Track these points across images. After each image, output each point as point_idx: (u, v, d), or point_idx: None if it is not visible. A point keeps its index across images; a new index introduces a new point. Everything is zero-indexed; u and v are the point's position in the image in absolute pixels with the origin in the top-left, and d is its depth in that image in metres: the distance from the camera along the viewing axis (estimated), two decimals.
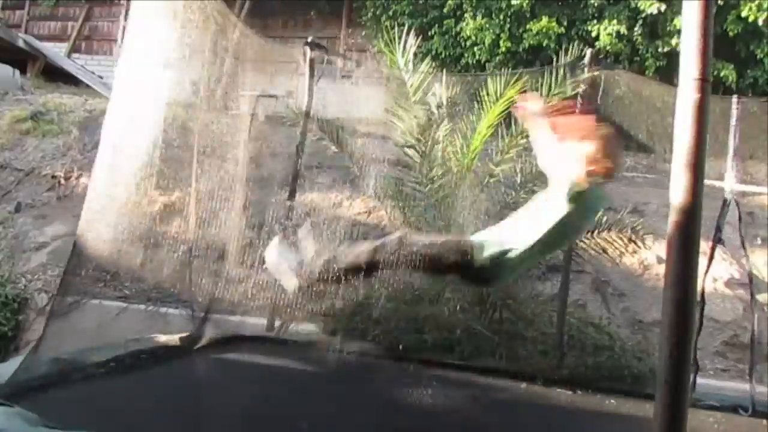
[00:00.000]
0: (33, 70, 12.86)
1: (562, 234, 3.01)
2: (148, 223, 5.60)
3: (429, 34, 10.38)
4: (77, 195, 7.57)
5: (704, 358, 5.92)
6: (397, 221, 6.47)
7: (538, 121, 3.06)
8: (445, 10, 10.42)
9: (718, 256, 5.76)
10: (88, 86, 12.05)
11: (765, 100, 6.50)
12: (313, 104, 6.17)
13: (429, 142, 5.71)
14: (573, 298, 6.33)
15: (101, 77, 12.75)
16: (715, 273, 6.44)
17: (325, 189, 8.02)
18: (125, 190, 4.31)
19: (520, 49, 9.92)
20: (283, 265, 2.80)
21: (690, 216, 1.48)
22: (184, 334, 5.23)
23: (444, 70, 7.72)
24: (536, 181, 5.99)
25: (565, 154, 2.92)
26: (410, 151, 5.84)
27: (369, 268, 3.06)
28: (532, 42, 9.73)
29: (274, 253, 2.88)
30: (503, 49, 9.90)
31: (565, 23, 9.81)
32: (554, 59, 7.27)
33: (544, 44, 9.64)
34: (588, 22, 9.77)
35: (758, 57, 9.47)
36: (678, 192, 1.50)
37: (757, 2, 8.99)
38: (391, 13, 10.77)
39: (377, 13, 11.04)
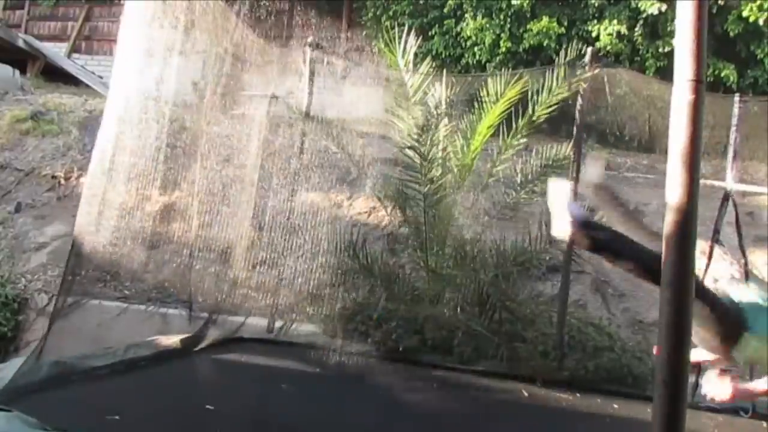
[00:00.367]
0: (33, 70, 12.86)
1: None
2: (147, 223, 5.61)
3: (429, 34, 10.38)
4: (77, 195, 7.57)
5: None
6: (397, 221, 6.48)
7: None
8: (445, 10, 10.41)
9: (718, 255, 5.75)
10: (88, 86, 12.05)
11: (766, 99, 6.49)
12: (313, 104, 6.17)
13: (429, 143, 5.70)
14: (573, 299, 6.32)
15: (101, 77, 12.74)
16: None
17: (325, 189, 8.02)
18: (123, 191, 4.30)
19: (521, 49, 9.91)
20: (564, 206, 2.63)
21: (686, 215, 1.48)
22: (184, 336, 5.22)
23: (444, 70, 7.72)
24: (536, 181, 6.00)
25: None
26: (410, 152, 5.84)
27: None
28: (532, 42, 9.73)
29: (565, 191, 2.73)
30: (503, 49, 9.89)
31: (566, 23, 9.80)
32: (554, 59, 7.26)
33: (545, 44, 9.63)
34: (588, 22, 9.76)
35: (759, 57, 9.47)
36: (674, 191, 1.50)
37: (757, 2, 8.98)
38: (391, 13, 10.77)
39: (377, 13, 11.03)
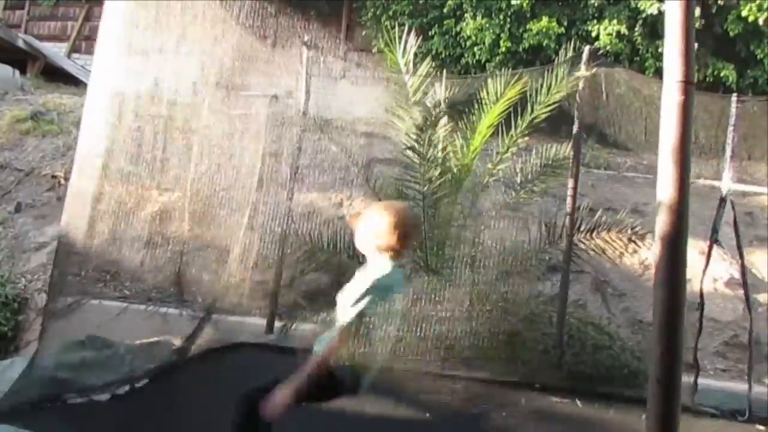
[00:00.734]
0: (33, 70, 12.88)
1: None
2: (148, 223, 5.61)
3: (429, 34, 10.38)
4: None
5: (704, 359, 5.92)
6: None
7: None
8: (445, 10, 10.42)
9: (717, 256, 5.77)
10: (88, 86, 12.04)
11: (765, 99, 6.49)
12: (312, 104, 6.17)
13: (428, 143, 5.70)
14: (573, 298, 6.33)
15: None
16: (715, 273, 6.44)
17: (325, 189, 8.03)
18: (123, 190, 4.30)
19: (520, 49, 9.92)
20: None
21: (677, 215, 1.48)
22: (184, 336, 5.21)
23: (444, 70, 7.72)
24: (536, 180, 6.01)
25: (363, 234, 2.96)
26: (409, 152, 5.84)
27: None
28: (532, 42, 9.73)
29: None
30: (503, 49, 9.90)
31: (565, 23, 9.81)
32: (554, 59, 7.27)
33: (544, 44, 9.64)
34: (588, 22, 9.77)
35: (758, 57, 9.47)
36: (665, 191, 1.51)
37: (757, 2, 8.98)
38: (391, 13, 10.78)
39: (377, 13, 11.04)
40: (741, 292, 5.58)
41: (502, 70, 7.02)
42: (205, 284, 5.81)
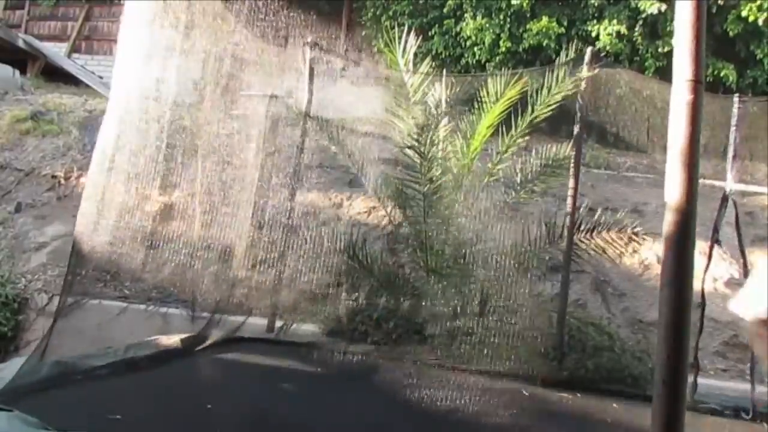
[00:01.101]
0: (33, 70, 12.87)
1: None
2: (147, 222, 5.61)
3: (429, 34, 10.38)
4: (77, 195, 7.57)
5: (704, 359, 5.92)
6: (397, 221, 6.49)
7: None
8: (445, 10, 10.42)
9: (718, 256, 5.77)
10: (88, 86, 12.05)
11: (765, 99, 6.49)
12: (313, 104, 6.18)
13: (429, 142, 5.70)
14: (573, 298, 6.33)
15: (101, 77, 12.75)
16: (716, 273, 6.44)
17: (325, 189, 8.02)
18: (125, 190, 4.30)
19: (520, 49, 9.92)
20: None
21: (685, 215, 1.48)
22: (184, 336, 5.22)
23: (444, 70, 7.72)
24: (536, 180, 6.01)
25: None
26: (410, 151, 5.84)
27: None
28: (532, 42, 9.73)
29: None
30: (503, 49, 9.90)
31: (565, 23, 9.81)
32: (554, 59, 7.26)
33: (544, 44, 9.64)
34: (588, 22, 9.77)
35: (758, 57, 9.48)
36: (673, 191, 1.50)
37: (757, 2, 8.99)
38: (391, 13, 10.77)
39: (377, 13, 11.04)
40: None
41: (502, 70, 7.03)
42: (206, 284, 5.80)
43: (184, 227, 5.71)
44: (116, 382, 4.19)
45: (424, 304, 5.83)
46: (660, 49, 9.44)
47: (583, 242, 5.73)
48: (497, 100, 5.75)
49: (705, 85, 1.58)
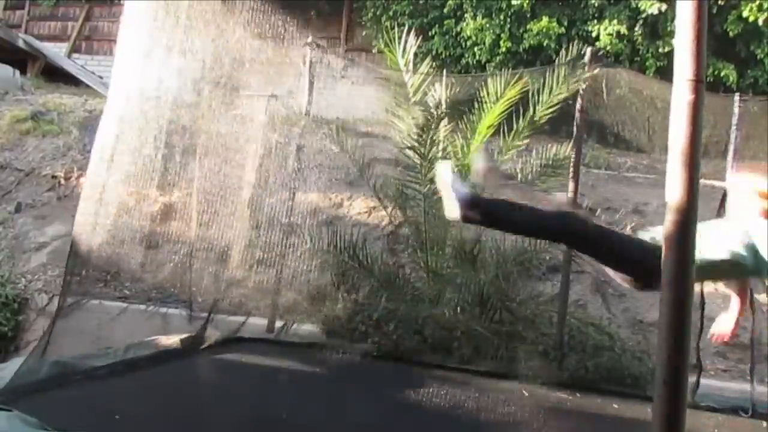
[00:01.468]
0: (33, 70, 12.87)
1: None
2: (147, 222, 5.61)
3: (429, 34, 10.39)
4: (77, 195, 7.57)
5: (705, 359, 5.90)
6: (397, 221, 6.49)
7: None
8: (445, 10, 10.42)
9: None
10: (88, 86, 12.06)
11: (765, 99, 6.49)
12: (313, 104, 6.18)
13: (429, 142, 5.70)
14: (573, 299, 6.32)
15: (101, 77, 12.75)
16: None
17: (325, 189, 8.02)
18: (124, 190, 4.30)
19: (521, 49, 9.92)
20: (453, 188, 2.76)
21: (686, 215, 1.48)
22: (184, 336, 5.22)
23: (444, 70, 7.72)
24: (536, 181, 6.00)
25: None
26: (410, 152, 5.84)
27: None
28: (532, 42, 9.73)
29: (448, 173, 2.84)
30: (503, 49, 9.90)
31: (566, 23, 9.81)
32: (554, 59, 7.27)
33: (545, 44, 9.64)
34: (588, 23, 9.77)
35: (759, 57, 9.47)
36: (674, 191, 1.50)
37: (757, 2, 8.99)
38: (391, 13, 10.78)
39: (377, 13, 11.04)
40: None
41: (503, 70, 7.02)
42: (206, 284, 5.80)
43: (183, 227, 5.72)
44: (116, 382, 4.19)
45: (424, 304, 5.83)
46: (660, 49, 9.44)
47: None
48: (497, 100, 5.74)
49: (705, 86, 1.57)
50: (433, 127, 5.74)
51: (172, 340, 5.11)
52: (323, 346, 5.58)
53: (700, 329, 4.85)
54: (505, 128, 5.94)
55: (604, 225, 3.08)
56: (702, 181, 1.61)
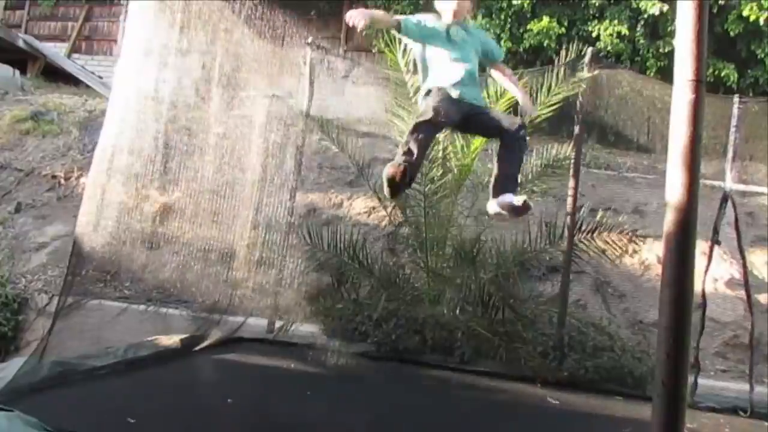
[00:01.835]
0: (33, 70, 12.87)
1: None
2: (148, 223, 5.61)
3: None
4: (77, 195, 7.57)
5: (705, 359, 5.91)
6: (397, 221, 6.49)
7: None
8: None
9: (718, 256, 5.76)
10: (88, 86, 12.05)
11: (765, 100, 6.49)
12: (314, 104, 6.17)
13: None
14: (573, 299, 6.32)
15: (101, 77, 12.75)
16: (716, 273, 6.44)
17: (325, 189, 8.02)
18: (125, 191, 4.30)
19: (521, 49, 9.92)
20: None
21: (686, 215, 1.48)
22: (184, 336, 5.22)
23: None
24: (536, 181, 6.00)
25: None
26: None
27: None
28: (532, 42, 9.73)
29: None
30: (504, 48, 9.89)
31: (566, 23, 9.81)
32: (555, 59, 7.26)
33: (545, 44, 9.64)
34: (589, 23, 9.77)
35: (759, 57, 9.47)
36: (674, 191, 1.50)
37: (757, 2, 8.99)
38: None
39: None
40: (741, 292, 5.59)
41: None
42: (206, 284, 5.80)
43: (184, 227, 5.71)
44: (116, 382, 4.19)
45: (424, 304, 5.83)
46: (661, 49, 9.44)
47: (584, 243, 5.73)
48: (497, 100, 5.74)
49: (706, 86, 1.57)
50: None
51: (172, 340, 5.11)
52: (323, 346, 5.58)
53: (700, 330, 4.85)
54: None
55: None
56: (702, 181, 1.61)
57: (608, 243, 5.77)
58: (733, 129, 5.28)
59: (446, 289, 5.91)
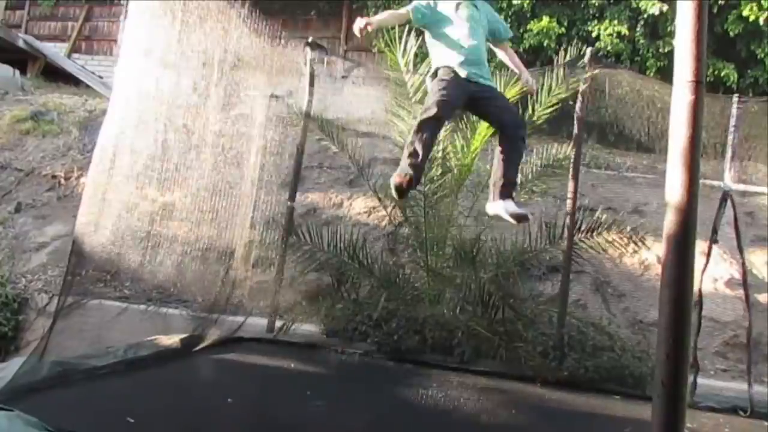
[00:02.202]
0: (33, 70, 12.87)
1: None
2: (147, 222, 5.61)
3: None
4: (77, 195, 7.57)
5: (704, 359, 5.92)
6: (397, 221, 6.49)
7: None
8: None
9: (718, 256, 5.77)
10: (88, 86, 12.05)
11: (764, 100, 6.49)
12: (313, 104, 6.17)
13: None
14: (573, 299, 6.32)
15: (101, 77, 12.75)
16: (716, 273, 6.44)
17: (325, 189, 8.02)
18: (125, 190, 4.30)
19: (521, 49, 9.89)
20: None
21: (686, 215, 1.48)
22: (184, 335, 5.22)
23: None
24: (536, 181, 6.01)
25: None
26: None
27: None
28: (532, 42, 9.72)
29: None
30: None
31: (566, 23, 9.80)
32: (555, 59, 7.27)
33: (545, 44, 9.63)
34: (588, 23, 9.76)
35: (759, 57, 9.47)
36: (673, 191, 1.50)
37: (757, 2, 8.98)
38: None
39: (377, 13, 11.02)
40: (741, 292, 5.59)
41: (502, 70, 7.01)
42: (206, 284, 5.80)
43: (184, 227, 5.71)
44: (116, 382, 4.19)
45: (424, 304, 5.83)
46: (661, 50, 9.43)
47: (584, 242, 5.73)
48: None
49: (706, 86, 1.58)
50: None
51: (172, 340, 5.11)
52: (323, 346, 5.58)
53: (697, 329, 4.85)
54: None
55: None
56: (701, 180, 1.61)
57: (608, 242, 5.78)
58: (732, 129, 5.27)
59: (446, 289, 5.92)
